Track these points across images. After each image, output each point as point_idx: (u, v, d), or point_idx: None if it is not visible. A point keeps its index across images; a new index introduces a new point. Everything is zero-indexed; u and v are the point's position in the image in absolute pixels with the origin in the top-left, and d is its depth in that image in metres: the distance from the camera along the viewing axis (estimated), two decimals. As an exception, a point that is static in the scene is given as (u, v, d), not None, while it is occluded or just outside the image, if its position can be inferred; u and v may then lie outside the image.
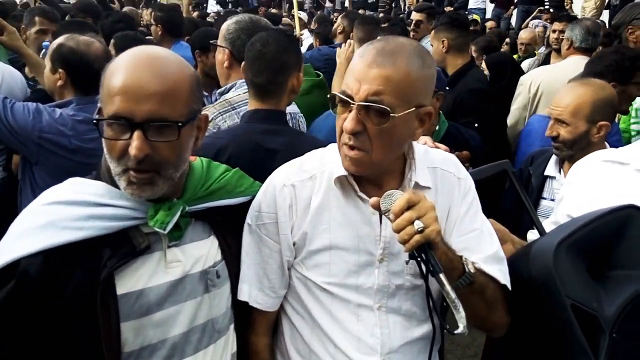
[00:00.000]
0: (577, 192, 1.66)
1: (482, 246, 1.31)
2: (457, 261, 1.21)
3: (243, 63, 1.88)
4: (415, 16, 4.62)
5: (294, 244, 1.34)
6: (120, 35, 3.25)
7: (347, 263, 1.29)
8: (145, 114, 1.07)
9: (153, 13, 4.44)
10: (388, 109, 1.15)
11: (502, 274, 1.29)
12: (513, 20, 9.22)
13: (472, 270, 1.21)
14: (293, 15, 8.78)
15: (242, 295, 1.36)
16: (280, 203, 1.33)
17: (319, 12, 9.47)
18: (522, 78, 3.75)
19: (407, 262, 1.21)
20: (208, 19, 7.77)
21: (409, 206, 1.11)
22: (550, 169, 2.36)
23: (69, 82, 2.23)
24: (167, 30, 4.05)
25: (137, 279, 1.17)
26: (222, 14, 7.60)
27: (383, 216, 1.25)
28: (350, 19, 4.39)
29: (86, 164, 1.60)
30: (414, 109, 1.19)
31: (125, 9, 6.42)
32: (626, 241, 1.33)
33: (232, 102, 2.04)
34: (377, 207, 1.18)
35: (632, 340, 1.25)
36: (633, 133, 3.00)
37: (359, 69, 1.18)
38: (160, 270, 1.21)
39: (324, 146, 1.43)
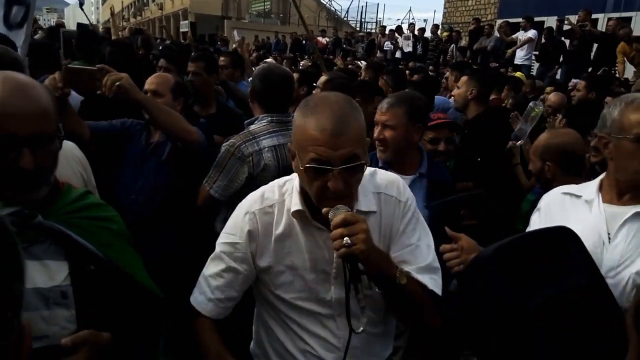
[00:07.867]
0: (541, 217, 1.97)
1: (417, 259, 1.51)
2: (390, 274, 1.40)
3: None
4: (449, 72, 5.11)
5: (259, 266, 1.52)
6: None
7: (306, 281, 1.51)
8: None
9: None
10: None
11: (432, 282, 1.49)
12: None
13: (403, 282, 1.40)
14: (349, 64, 9.38)
15: (192, 300, 1.60)
16: (243, 228, 1.52)
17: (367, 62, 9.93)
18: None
19: None
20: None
21: (345, 223, 1.28)
22: None
23: None
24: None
25: None
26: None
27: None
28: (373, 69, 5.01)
29: None
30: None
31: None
32: (564, 253, 1.60)
33: (254, 133, 2.48)
34: (326, 215, 1.34)
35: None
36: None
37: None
38: None
39: None
